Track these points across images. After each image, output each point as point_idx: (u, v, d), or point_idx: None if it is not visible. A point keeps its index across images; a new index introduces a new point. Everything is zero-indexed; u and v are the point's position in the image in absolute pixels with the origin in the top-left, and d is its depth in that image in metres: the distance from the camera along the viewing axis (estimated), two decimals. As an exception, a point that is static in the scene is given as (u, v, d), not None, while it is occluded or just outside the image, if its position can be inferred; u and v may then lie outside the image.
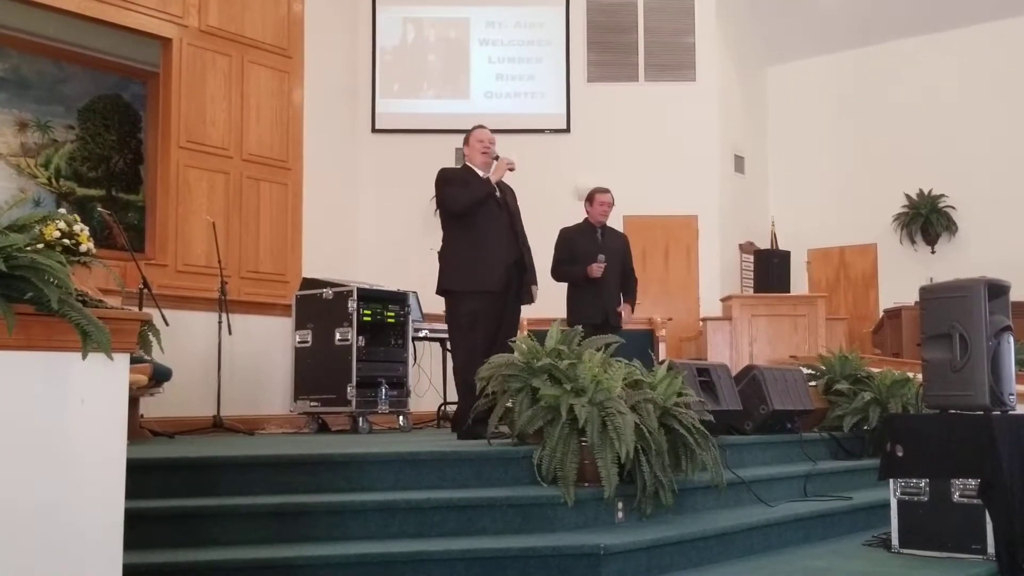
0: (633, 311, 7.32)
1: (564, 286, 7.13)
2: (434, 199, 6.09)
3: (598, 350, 4.71)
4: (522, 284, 6.00)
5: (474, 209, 5.89)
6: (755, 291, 11.33)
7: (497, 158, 6.05)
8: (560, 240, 7.18)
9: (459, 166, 6.21)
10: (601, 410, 4.31)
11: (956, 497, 4.51)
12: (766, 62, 13.75)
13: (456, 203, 5.92)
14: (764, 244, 12.45)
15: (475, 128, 6.23)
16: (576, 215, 7.50)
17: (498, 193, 6.01)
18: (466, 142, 6.18)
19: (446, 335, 6.84)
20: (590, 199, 7.28)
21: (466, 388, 5.68)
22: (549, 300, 6.83)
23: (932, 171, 12.27)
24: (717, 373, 5.86)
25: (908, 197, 12.43)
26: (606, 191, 7.28)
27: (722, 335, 10.16)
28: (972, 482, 4.45)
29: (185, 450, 5.06)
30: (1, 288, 2.51)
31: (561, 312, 6.93)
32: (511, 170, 5.96)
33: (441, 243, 6.06)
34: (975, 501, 4.43)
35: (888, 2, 12.47)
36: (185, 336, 7.67)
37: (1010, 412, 4.65)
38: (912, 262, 12.34)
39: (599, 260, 6.93)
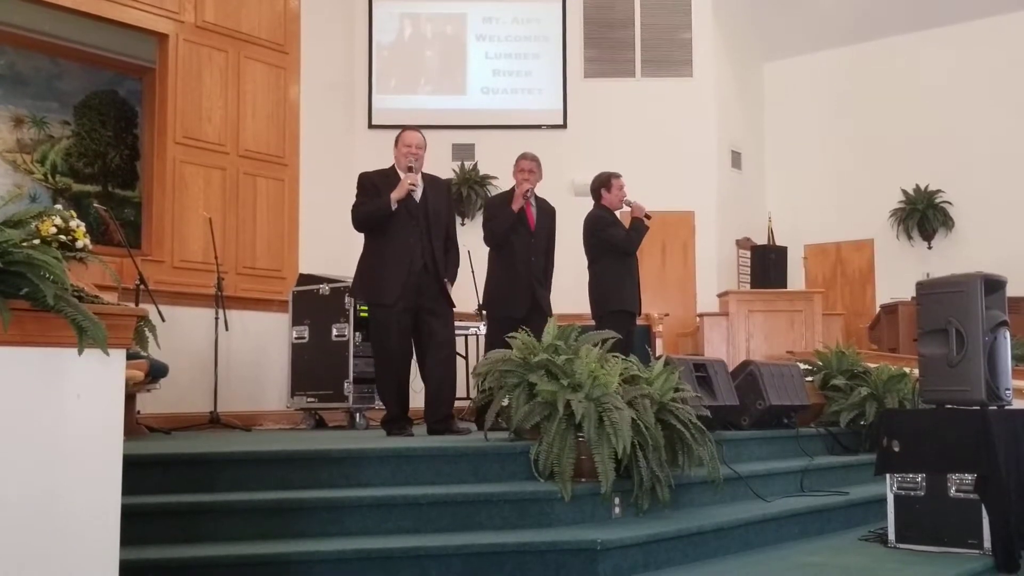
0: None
1: (584, 277, 7.09)
2: None
3: (595, 346, 4.71)
4: (440, 289, 5.86)
5: (373, 224, 5.80)
6: (752, 287, 11.33)
7: (410, 169, 5.81)
8: (606, 219, 7.13)
9: (387, 166, 6.00)
10: (598, 406, 4.31)
11: (952, 492, 4.51)
12: (763, 58, 13.74)
13: (356, 215, 5.86)
14: (761, 240, 12.45)
15: (404, 129, 6.02)
16: (573, 210, 7.47)
17: (418, 193, 5.83)
18: (396, 143, 5.97)
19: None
20: (607, 186, 7.12)
21: (379, 394, 6.23)
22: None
23: (929, 167, 12.26)
24: (714, 369, 5.86)
25: (905, 193, 12.43)
26: (619, 175, 7.23)
27: (719, 331, 10.17)
28: (968, 477, 4.46)
29: (182, 446, 5.06)
30: (-3, 284, 2.51)
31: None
32: (412, 188, 5.75)
33: None
34: (971, 496, 4.44)
35: (885, -2, 12.48)
36: (182, 332, 7.67)
37: (1006, 407, 4.66)
38: (909, 258, 12.33)
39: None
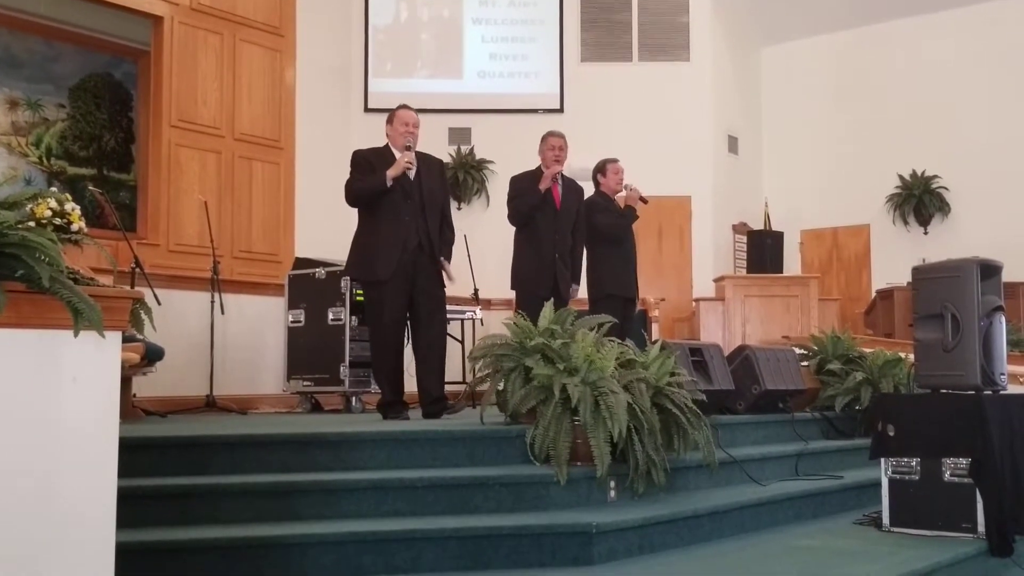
0: None
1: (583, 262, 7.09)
2: None
3: (591, 330, 4.71)
4: (433, 266, 5.86)
5: (367, 201, 5.77)
6: (748, 272, 11.34)
7: (408, 148, 5.79)
8: (599, 205, 7.12)
9: (380, 146, 5.98)
10: (594, 389, 4.32)
11: (947, 476, 4.53)
12: (760, 42, 13.71)
13: (352, 191, 5.82)
14: (757, 225, 12.45)
15: (400, 108, 5.99)
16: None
17: (412, 172, 5.80)
18: (390, 121, 5.94)
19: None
20: (603, 171, 7.15)
21: (375, 376, 6.25)
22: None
23: (925, 152, 12.26)
24: (710, 353, 5.87)
25: (901, 178, 12.43)
26: (616, 160, 7.22)
27: (715, 315, 10.18)
28: (963, 461, 4.48)
29: (178, 429, 5.06)
30: (-9, 266, 2.49)
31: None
32: (409, 166, 5.73)
33: None
34: (966, 480, 4.45)
35: (883, -18, 12.45)
36: (177, 316, 7.65)
37: (1001, 392, 4.67)
38: (905, 243, 12.34)
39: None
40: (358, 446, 4.37)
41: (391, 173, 5.68)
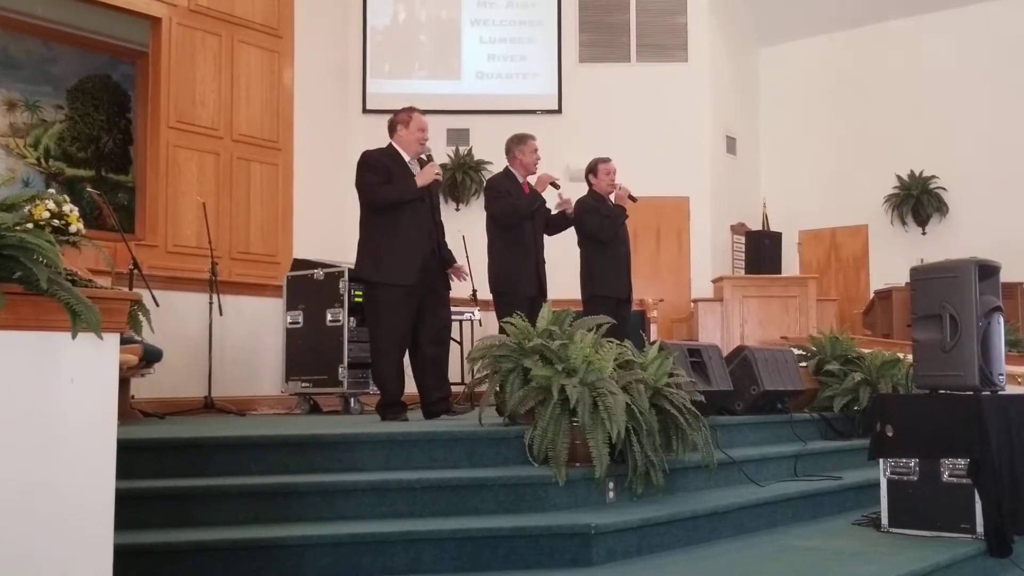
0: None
1: (576, 262, 7.08)
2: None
3: (589, 331, 4.71)
4: (443, 271, 5.93)
5: (391, 206, 5.78)
6: (746, 272, 11.33)
7: (430, 158, 5.88)
8: (588, 205, 7.11)
9: (384, 146, 5.98)
10: (592, 390, 4.32)
11: (945, 477, 4.53)
12: (758, 43, 13.71)
13: (379, 197, 5.78)
14: (755, 225, 12.44)
15: (413, 111, 6.01)
16: (568, 195, 7.46)
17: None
18: (404, 123, 5.94)
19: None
20: (594, 171, 7.17)
21: (376, 378, 6.21)
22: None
23: (924, 152, 12.26)
24: (708, 354, 5.86)
25: (899, 178, 12.44)
26: (608, 160, 7.22)
27: (713, 316, 10.17)
28: (961, 462, 4.48)
29: (176, 430, 5.06)
30: (-10, 267, 2.49)
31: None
32: (438, 177, 5.82)
33: (359, 227, 5.96)
34: (964, 481, 4.45)
35: (881, -17, 12.45)
36: (176, 317, 7.64)
37: (999, 392, 4.67)
38: (903, 243, 12.34)
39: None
40: (356, 447, 4.38)
41: (421, 182, 5.74)
